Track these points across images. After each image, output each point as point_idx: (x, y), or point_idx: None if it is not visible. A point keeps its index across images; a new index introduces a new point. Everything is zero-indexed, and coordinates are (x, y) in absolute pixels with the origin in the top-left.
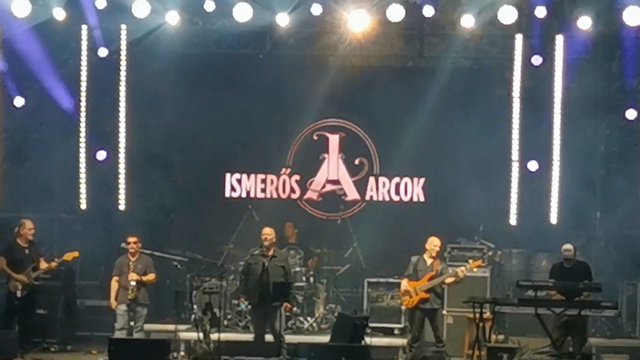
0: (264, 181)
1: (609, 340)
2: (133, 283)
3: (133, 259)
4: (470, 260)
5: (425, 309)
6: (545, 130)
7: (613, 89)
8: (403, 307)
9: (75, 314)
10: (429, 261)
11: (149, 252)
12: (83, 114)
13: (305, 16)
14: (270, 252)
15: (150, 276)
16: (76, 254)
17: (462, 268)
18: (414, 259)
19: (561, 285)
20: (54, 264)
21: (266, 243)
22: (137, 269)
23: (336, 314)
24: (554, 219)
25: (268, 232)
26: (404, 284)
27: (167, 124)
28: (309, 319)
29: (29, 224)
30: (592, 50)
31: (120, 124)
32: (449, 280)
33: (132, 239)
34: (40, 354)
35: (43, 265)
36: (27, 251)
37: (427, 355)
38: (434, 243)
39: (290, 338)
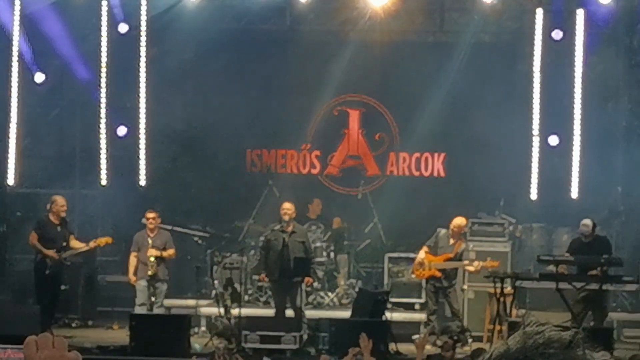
0: (284, 156)
1: (629, 315)
2: (152, 259)
3: (152, 235)
4: (489, 259)
5: (435, 285)
6: (566, 104)
7: (634, 63)
8: (424, 282)
9: (96, 289)
10: (451, 241)
11: (169, 227)
12: (103, 90)
13: None
14: (290, 228)
15: (170, 251)
16: (110, 239)
17: (477, 264)
18: (440, 232)
19: (582, 260)
20: (87, 246)
21: (286, 218)
22: (156, 245)
23: (357, 289)
24: (574, 193)
25: (288, 207)
26: (422, 254)
27: (188, 100)
28: (329, 294)
29: (60, 200)
30: (613, 24)
31: (140, 100)
32: (472, 270)
33: (150, 215)
34: (61, 330)
35: (74, 243)
36: (59, 228)
37: (448, 330)
38: (456, 223)
39: (310, 313)
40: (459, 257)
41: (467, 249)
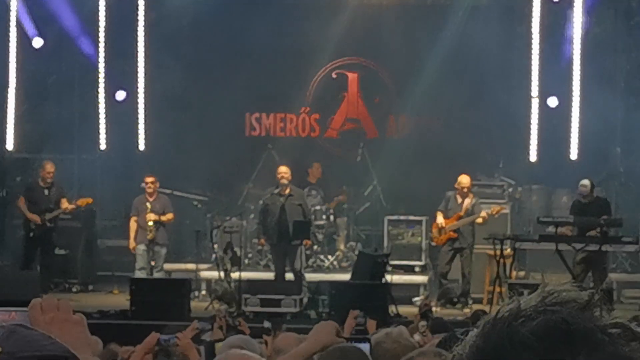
0: (283, 120)
1: (629, 276)
2: (151, 223)
3: (151, 199)
4: (494, 206)
5: (453, 247)
6: (565, 66)
7: (633, 24)
8: (425, 243)
9: (96, 254)
10: (459, 200)
11: (168, 191)
12: (102, 54)
13: None
14: (287, 191)
15: (169, 216)
16: (90, 200)
17: (484, 213)
18: (448, 194)
19: (581, 221)
20: (67, 207)
21: (283, 182)
22: (155, 209)
23: (356, 252)
24: (574, 155)
25: (284, 171)
26: (440, 218)
27: (186, 64)
28: (329, 257)
29: (48, 166)
30: None
31: (139, 64)
32: (479, 221)
33: (149, 179)
34: (61, 294)
35: (63, 206)
36: (46, 192)
37: (449, 291)
38: (460, 182)
39: (310, 276)
40: (469, 214)
41: (477, 204)
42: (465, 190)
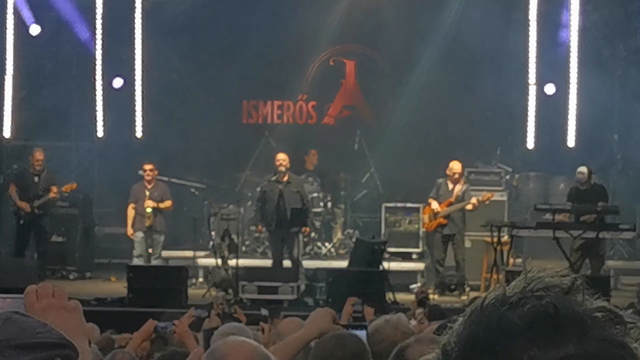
0: (280, 107)
1: (626, 263)
2: (149, 210)
3: (149, 187)
4: (484, 193)
5: (443, 233)
6: (562, 53)
7: (630, 11)
8: (422, 231)
9: (94, 241)
10: (450, 186)
11: (166, 179)
12: (99, 42)
13: None
14: (285, 178)
15: (167, 203)
16: (74, 185)
17: (474, 200)
18: (439, 181)
19: (578, 208)
20: (53, 194)
21: (281, 169)
22: (154, 196)
23: (354, 239)
24: (571, 142)
25: (282, 158)
26: (434, 204)
27: (184, 51)
28: (326, 244)
29: (37, 154)
30: None
31: (136, 51)
32: (469, 208)
33: (147, 167)
34: (58, 282)
35: (50, 194)
36: (36, 179)
37: (446, 279)
38: (451, 168)
39: (308, 263)
40: (460, 200)
41: (467, 191)
42: (456, 176)
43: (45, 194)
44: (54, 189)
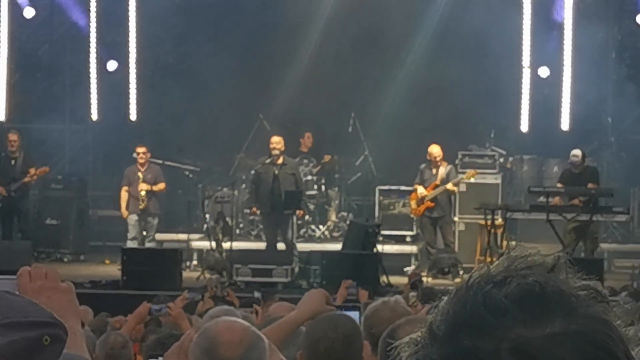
0: None
1: (620, 246)
2: (143, 193)
3: (142, 169)
4: (467, 171)
5: (431, 217)
6: (556, 36)
7: None
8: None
9: (88, 224)
10: (434, 170)
11: (160, 161)
12: (93, 25)
13: None
14: (280, 161)
15: (160, 185)
16: (46, 169)
17: (455, 180)
18: (421, 167)
19: (572, 191)
20: (28, 177)
21: (275, 152)
22: (147, 179)
23: (348, 222)
24: (565, 125)
25: (277, 141)
26: (421, 189)
27: (178, 34)
28: (320, 227)
29: (11, 136)
30: None
31: (130, 34)
32: (450, 188)
33: (141, 149)
34: (53, 264)
35: (25, 178)
36: (12, 162)
37: (440, 262)
38: (431, 153)
39: (302, 246)
40: (445, 182)
41: (452, 171)
42: (437, 159)
43: (23, 177)
44: (32, 171)
